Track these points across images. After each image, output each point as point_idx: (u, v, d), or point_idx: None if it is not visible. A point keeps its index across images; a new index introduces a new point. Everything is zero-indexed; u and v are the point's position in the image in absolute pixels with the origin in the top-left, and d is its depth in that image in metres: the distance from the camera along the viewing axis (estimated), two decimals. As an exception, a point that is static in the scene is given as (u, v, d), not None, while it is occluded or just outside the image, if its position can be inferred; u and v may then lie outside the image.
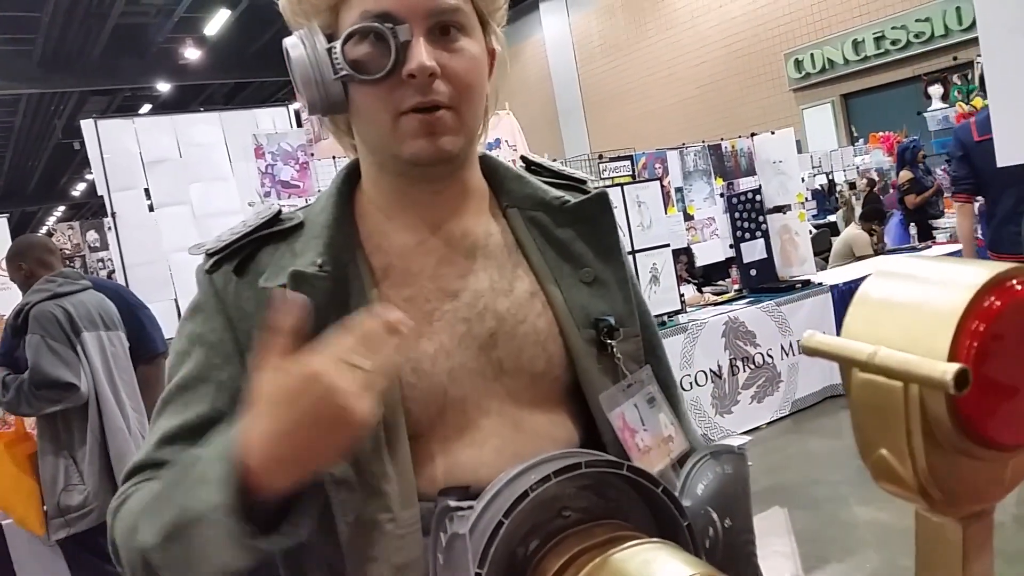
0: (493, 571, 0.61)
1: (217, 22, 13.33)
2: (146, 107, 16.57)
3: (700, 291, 5.80)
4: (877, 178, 9.21)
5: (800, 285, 5.25)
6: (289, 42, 0.74)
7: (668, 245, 4.76)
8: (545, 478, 0.63)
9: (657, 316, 4.64)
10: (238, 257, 0.77)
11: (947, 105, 8.36)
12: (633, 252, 4.59)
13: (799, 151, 7.03)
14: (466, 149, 0.78)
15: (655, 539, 0.64)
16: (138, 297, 3.48)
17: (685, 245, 5.72)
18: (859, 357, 0.39)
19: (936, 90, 8.70)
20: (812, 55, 12.41)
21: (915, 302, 0.40)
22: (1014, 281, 0.39)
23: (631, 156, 5.96)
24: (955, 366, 0.35)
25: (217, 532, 0.61)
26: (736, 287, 5.67)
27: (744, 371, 4.82)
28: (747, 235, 5.36)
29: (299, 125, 5.03)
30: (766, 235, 5.37)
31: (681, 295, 4.86)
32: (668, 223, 4.99)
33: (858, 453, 0.41)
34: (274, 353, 0.62)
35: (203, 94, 17.27)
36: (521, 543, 0.65)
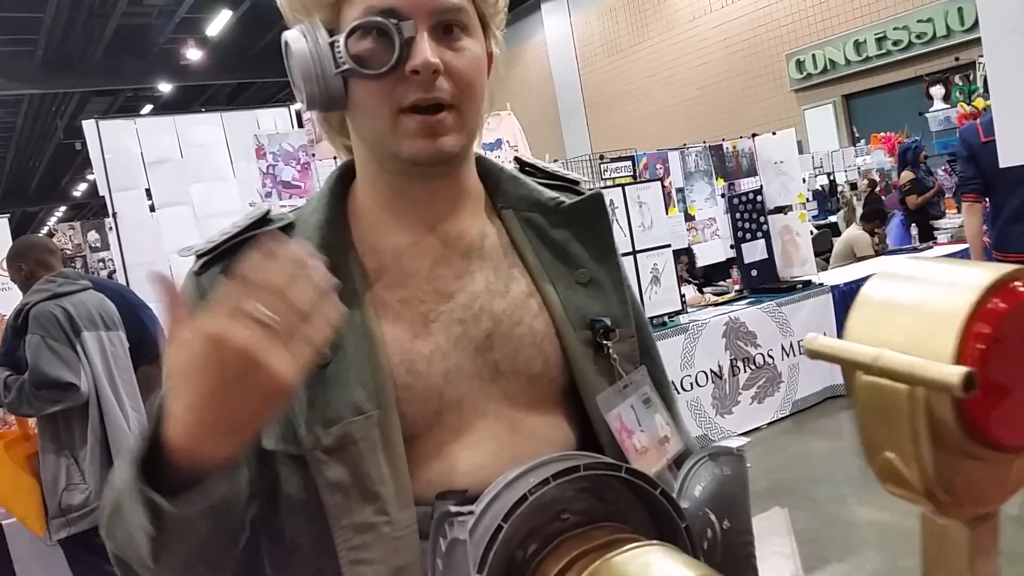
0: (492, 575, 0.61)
1: (219, 23, 13.35)
2: (147, 107, 16.58)
3: (701, 291, 5.80)
4: (878, 179, 9.20)
5: (801, 286, 5.25)
6: (290, 35, 0.74)
7: (669, 245, 4.76)
8: (544, 481, 0.63)
9: (658, 316, 4.65)
10: (227, 259, 0.76)
11: (949, 106, 8.36)
12: (634, 252, 4.59)
13: (800, 152, 7.03)
14: (466, 149, 0.78)
15: (654, 541, 0.64)
16: (140, 297, 3.48)
17: (686, 246, 5.72)
18: (863, 360, 0.39)
19: (938, 91, 8.71)
20: (813, 55, 12.41)
21: (918, 304, 0.40)
22: (1018, 283, 0.38)
23: (632, 157, 5.96)
24: (962, 369, 0.35)
25: (131, 500, 0.61)
26: (737, 288, 5.67)
27: (745, 371, 4.82)
28: (748, 236, 5.35)
29: (300, 126, 5.02)
30: (767, 236, 5.36)
31: (682, 295, 4.85)
32: (669, 223, 4.98)
33: (861, 454, 0.41)
34: (175, 326, 0.60)
35: (204, 94, 17.29)
36: (519, 547, 0.65)
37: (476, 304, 0.78)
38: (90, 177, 18.12)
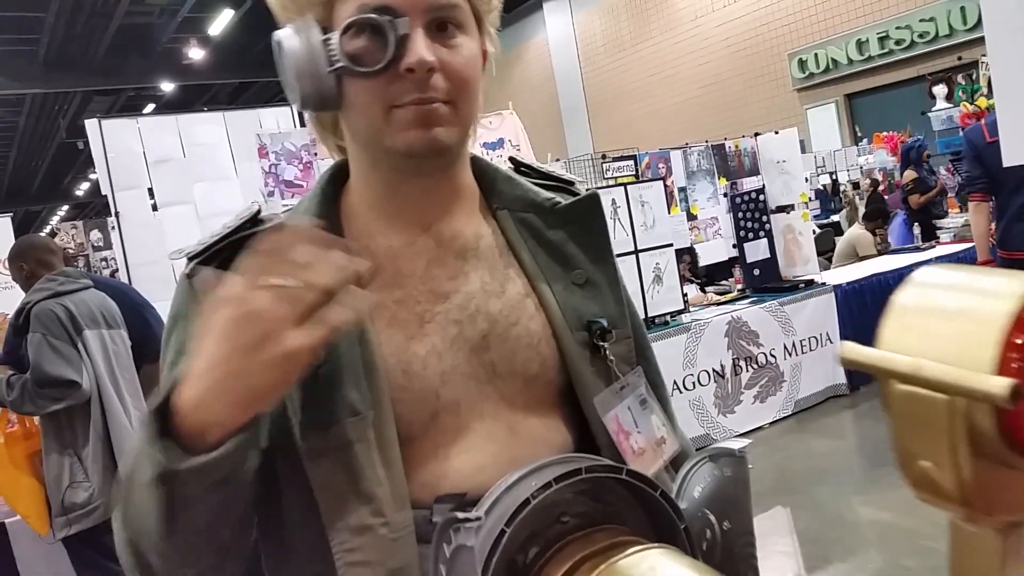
0: None
1: (221, 22, 13.36)
2: (150, 107, 16.59)
3: (703, 291, 5.80)
4: (881, 178, 9.19)
5: (803, 285, 5.25)
6: (282, 34, 0.73)
7: (671, 245, 4.76)
8: (546, 484, 0.63)
9: (660, 315, 4.65)
10: (219, 260, 0.75)
11: (951, 105, 8.35)
12: (636, 252, 4.59)
13: (803, 151, 7.02)
14: (460, 143, 0.77)
15: (657, 544, 0.64)
16: (143, 296, 3.48)
17: (688, 245, 5.72)
18: (902, 370, 0.39)
19: (940, 90, 8.69)
20: (816, 55, 12.39)
21: (955, 313, 0.40)
22: None
23: (634, 156, 5.96)
24: (1009, 381, 0.35)
25: (145, 459, 0.61)
26: (739, 287, 5.67)
27: (747, 371, 4.82)
28: (750, 235, 5.35)
29: (302, 125, 5.02)
30: (769, 235, 5.36)
31: (684, 295, 4.85)
32: (671, 223, 4.98)
33: (896, 464, 0.41)
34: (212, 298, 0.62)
35: (207, 94, 17.30)
36: (520, 551, 0.64)
37: (472, 305, 0.78)
38: (92, 176, 18.15)
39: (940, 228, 7.15)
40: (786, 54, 12.86)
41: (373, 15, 0.70)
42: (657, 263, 4.65)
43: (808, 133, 12.21)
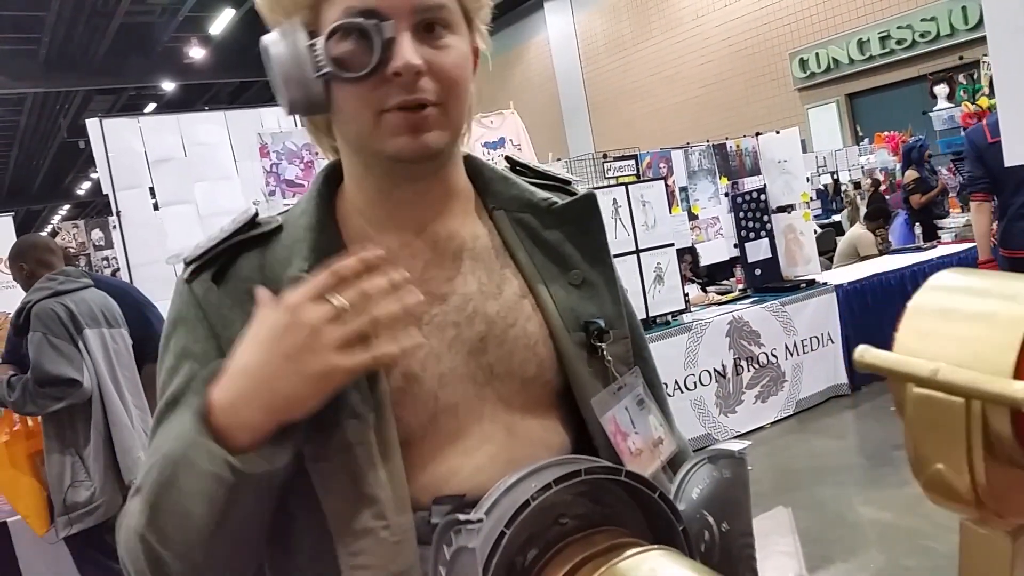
0: None
1: (222, 21, 13.36)
2: (151, 106, 16.61)
3: (704, 290, 5.80)
4: (882, 178, 9.19)
5: (805, 285, 5.24)
6: (268, 39, 0.72)
7: (672, 244, 4.76)
8: (546, 486, 0.63)
9: (661, 315, 4.65)
10: (216, 264, 0.75)
11: (953, 105, 8.35)
12: (637, 251, 4.59)
13: (804, 151, 7.02)
14: (451, 146, 0.76)
15: (657, 546, 0.64)
16: (145, 296, 3.48)
17: (689, 244, 5.72)
18: (920, 373, 0.39)
19: (942, 89, 8.70)
20: (817, 54, 12.39)
21: (973, 317, 0.40)
22: None
23: (635, 155, 5.96)
24: None
25: (200, 460, 0.63)
26: (740, 287, 5.67)
27: (748, 371, 4.82)
28: (752, 234, 5.35)
29: (304, 124, 5.03)
30: (771, 235, 5.36)
31: (685, 294, 4.85)
32: (672, 222, 4.99)
33: (911, 467, 0.41)
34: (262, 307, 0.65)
35: (208, 93, 17.31)
36: (519, 552, 0.64)
37: (469, 306, 0.78)
38: (94, 175, 18.18)
39: (941, 228, 7.15)
40: (787, 54, 12.85)
41: (358, 19, 0.69)
42: (658, 263, 4.65)
43: (809, 133, 12.21)
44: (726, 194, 5.81)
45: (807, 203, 5.59)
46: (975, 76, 8.53)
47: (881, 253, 6.69)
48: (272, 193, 4.36)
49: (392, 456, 0.71)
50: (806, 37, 12.58)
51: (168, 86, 15.95)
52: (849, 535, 3.34)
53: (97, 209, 22.51)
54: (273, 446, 0.65)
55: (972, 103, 7.54)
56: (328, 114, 0.75)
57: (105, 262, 7.86)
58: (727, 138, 6.33)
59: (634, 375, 0.83)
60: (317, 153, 4.46)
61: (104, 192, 4.70)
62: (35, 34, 12.79)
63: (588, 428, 0.80)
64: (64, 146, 18.24)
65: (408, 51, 0.69)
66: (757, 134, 5.96)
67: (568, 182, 0.91)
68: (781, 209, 5.49)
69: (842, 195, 10.04)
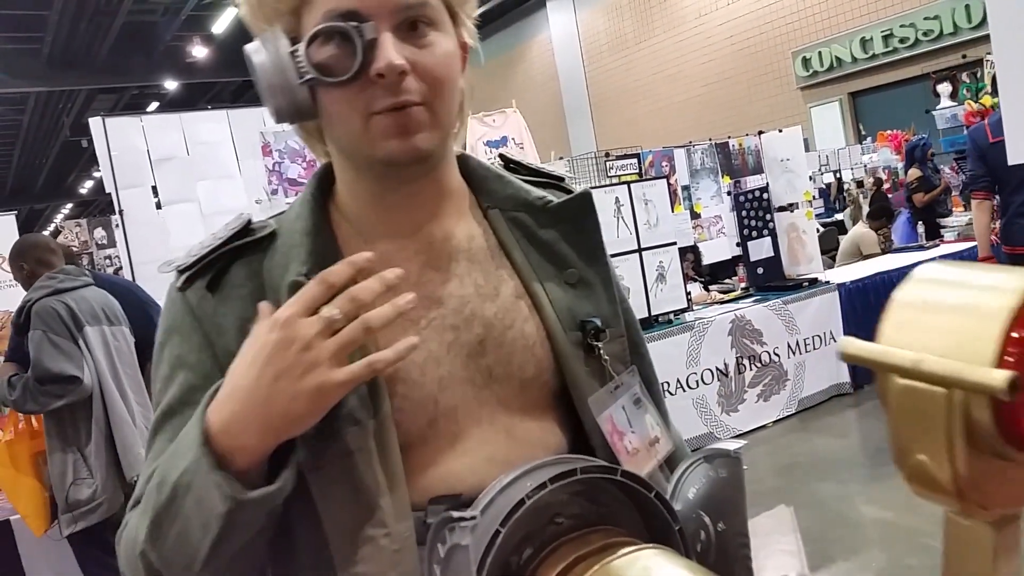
0: None
1: (224, 20, 13.37)
2: (153, 105, 16.63)
3: (707, 289, 5.80)
4: (885, 176, 9.17)
5: (807, 283, 5.24)
6: (250, 48, 0.71)
7: (675, 243, 4.76)
8: (541, 485, 0.62)
9: (664, 314, 4.64)
10: (210, 272, 0.74)
11: (956, 103, 8.33)
12: (640, 250, 4.59)
13: (807, 149, 7.02)
14: (441, 146, 0.75)
15: (651, 545, 0.63)
16: (149, 294, 3.49)
17: (692, 243, 5.72)
18: (903, 364, 0.39)
19: (945, 88, 8.68)
20: (820, 53, 12.37)
21: (955, 308, 0.40)
22: None
23: (638, 154, 5.96)
24: (1007, 373, 0.35)
25: (202, 489, 0.61)
26: (743, 285, 5.67)
27: (750, 369, 4.81)
28: (754, 233, 5.35)
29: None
30: (773, 233, 5.35)
31: (688, 293, 4.85)
32: (675, 221, 4.98)
33: (892, 457, 0.41)
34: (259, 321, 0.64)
35: (210, 92, 17.32)
36: (514, 552, 0.64)
37: (467, 309, 0.77)
38: (96, 174, 18.20)
39: (944, 226, 7.14)
40: (790, 52, 12.83)
41: (338, 22, 0.68)
42: (660, 261, 4.65)
43: (812, 131, 12.20)
44: (728, 193, 5.81)
45: (809, 202, 5.59)
46: (978, 75, 8.52)
47: (884, 252, 6.68)
48: (275, 192, 4.37)
49: (392, 462, 0.70)
50: (809, 36, 12.56)
51: (171, 85, 15.96)
52: (851, 534, 3.34)
53: (100, 208, 22.53)
54: (273, 464, 0.65)
55: (975, 102, 7.52)
56: (315, 119, 0.74)
57: (108, 261, 7.87)
58: (729, 137, 6.33)
59: (631, 374, 0.83)
60: (319, 152, 4.46)
61: (107, 191, 4.70)
62: (38, 33, 12.81)
63: (585, 428, 0.79)
64: (67, 145, 18.26)
65: (390, 52, 0.67)
66: (760, 133, 5.96)
67: (562, 179, 0.90)
68: (783, 208, 5.49)
69: (845, 194, 10.03)
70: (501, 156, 0.92)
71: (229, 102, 16.35)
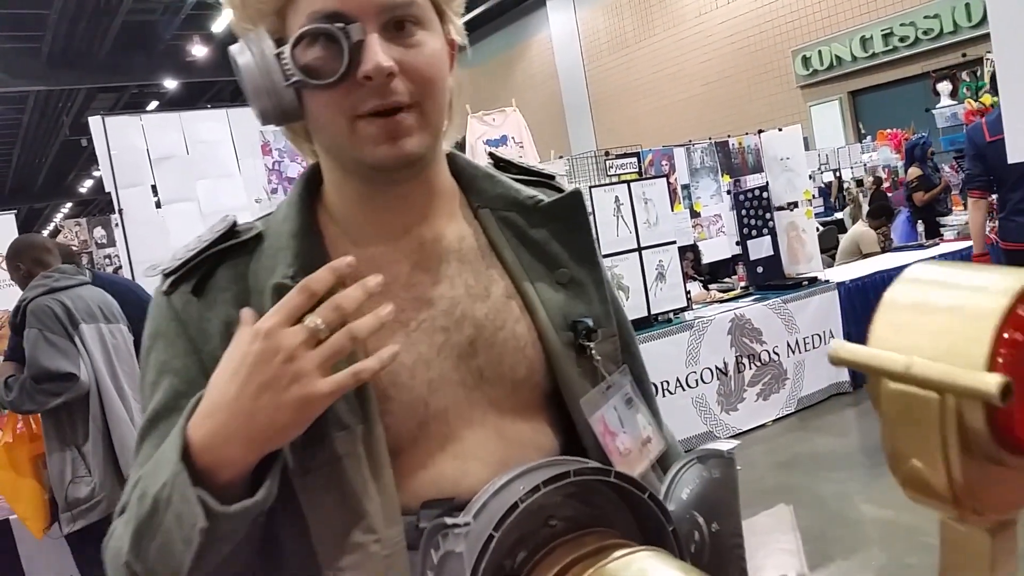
0: None
1: (224, 19, 13.35)
2: (153, 104, 16.63)
3: (706, 288, 5.80)
4: (884, 175, 9.17)
5: (807, 282, 5.24)
6: (234, 49, 0.70)
7: (675, 242, 4.76)
8: (535, 488, 0.62)
9: (663, 313, 4.64)
10: (196, 276, 0.73)
11: (956, 102, 8.32)
12: (639, 249, 4.59)
13: (806, 148, 7.02)
14: (431, 148, 0.74)
15: (646, 547, 0.63)
16: (149, 293, 3.48)
17: (691, 242, 5.72)
18: (894, 368, 0.39)
19: (945, 87, 8.67)
20: (820, 52, 12.36)
21: (946, 309, 0.39)
22: None
23: (638, 153, 5.95)
24: (1000, 378, 0.35)
25: (182, 504, 0.60)
26: (742, 284, 5.66)
27: (750, 368, 4.81)
28: (754, 232, 5.35)
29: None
30: (773, 232, 5.35)
31: (687, 292, 4.85)
32: (674, 220, 4.98)
33: (886, 462, 0.41)
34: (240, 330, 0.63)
35: (210, 91, 17.31)
36: (508, 555, 0.63)
37: (457, 310, 0.76)
38: (96, 173, 18.20)
39: (944, 225, 7.14)
40: (790, 51, 12.83)
41: (324, 24, 0.66)
42: (660, 260, 4.64)
43: (812, 130, 12.20)
44: (728, 192, 5.81)
45: (809, 200, 5.58)
46: (978, 73, 8.51)
47: (883, 251, 6.68)
48: (274, 191, 4.37)
49: (382, 467, 0.69)
50: (809, 34, 12.56)
51: (170, 84, 15.96)
52: (851, 533, 3.34)
53: (99, 207, 22.53)
54: (258, 472, 0.64)
55: (975, 100, 7.52)
56: (301, 121, 0.73)
57: (107, 260, 7.86)
58: (729, 135, 6.33)
59: (622, 373, 0.82)
60: (319, 151, 4.46)
61: (106, 190, 4.69)
62: (38, 32, 12.81)
63: (577, 428, 0.79)
64: (66, 144, 18.26)
65: (378, 53, 0.66)
66: (759, 131, 5.95)
67: (552, 177, 0.90)
68: (783, 207, 5.48)
69: (844, 193, 10.03)
70: (491, 155, 0.91)
71: (229, 101, 16.34)
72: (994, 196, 3.93)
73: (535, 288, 0.79)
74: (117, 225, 4.69)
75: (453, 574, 0.61)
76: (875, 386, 0.40)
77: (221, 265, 0.74)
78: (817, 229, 5.89)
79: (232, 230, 0.76)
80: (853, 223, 7.85)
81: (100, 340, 2.93)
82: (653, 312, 4.59)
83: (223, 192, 4.78)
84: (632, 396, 0.82)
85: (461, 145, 6.08)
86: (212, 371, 0.66)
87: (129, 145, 4.62)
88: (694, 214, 5.87)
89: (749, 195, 5.37)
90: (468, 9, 0.81)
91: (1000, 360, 0.36)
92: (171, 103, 16.26)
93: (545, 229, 0.81)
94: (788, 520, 3.56)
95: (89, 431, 2.86)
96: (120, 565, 0.66)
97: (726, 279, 6.26)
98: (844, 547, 3.21)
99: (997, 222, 3.87)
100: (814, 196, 6.59)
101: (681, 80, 14.75)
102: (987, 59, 7.44)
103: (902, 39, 11.26)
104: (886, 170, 9.34)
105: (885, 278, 5.37)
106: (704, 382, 4.63)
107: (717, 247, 6.07)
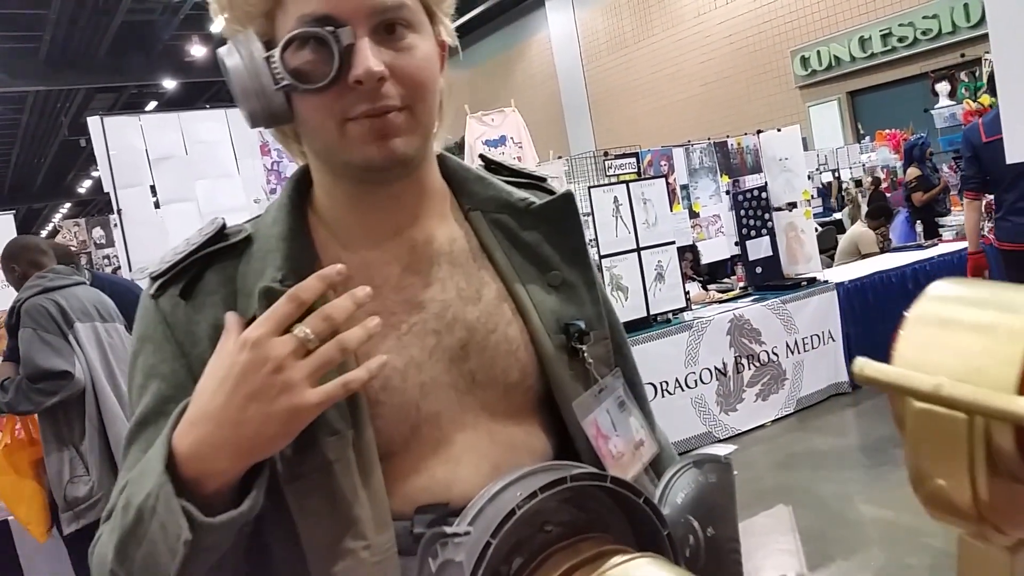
0: None
1: (223, 19, 13.35)
2: (152, 104, 16.62)
3: (705, 288, 5.80)
4: (883, 176, 9.18)
5: (806, 283, 5.24)
6: (223, 51, 0.70)
7: (673, 242, 4.76)
8: (532, 494, 0.61)
9: (662, 313, 4.64)
10: (184, 279, 0.72)
11: (954, 102, 8.35)
12: (638, 249, 4.59)
13: (805, 148, 7.02)
14: (421, 149, 0.73)
15: (644, 553, 0.63)
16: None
17: (690, 242, 5.72)
18: (922, 388, 0.38)
19: (943, 87, 8.70)
20: (819, 52, 12.38)
21: (975, 328, 0.39)
22: None
23: (637, 153, 5.96)
24: None
25: (166, 515, 0.59)
26: (741, 285, 5.66)
27: (749, 369, 4.81)
28: (753, 232, 5.35)
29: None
30: (772, 232, 5.35)
31: (686, 292, 4.85)
32: (673, 220, 4.98)
33: (910, 481, 0.41)
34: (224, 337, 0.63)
35: (209, 91, 17.31)
36: (504, 562, 0.63)
37: (449, 313, 0.75)
38: (95, 174, 18.18)
39: (943, 226, 7.14)
40: (789, 51, 12.84)
41: (313, 27, 0.66)
42: (659, 261, 4.64)
43: (811, 130, 12.21)
44: (727, 192, 5.81)
45: (808, 201, 5.58)
46: (977, 74, 8.53)
47: (882, 251, 6.69)
48: (273, 191, 4.37)
49: (372, 472, 0.68)
50: (807, 35, 12.57)
51: (169, 84, 15.95)
52: (850, 533, 3.34)
53: (98, 207, 22.53)
54: (243, 485, 0.63)
55: (974, 101, 7.53)
56: (291, 124, 0.73)
57: (106, 260, 7.86)
58: (728, 136, 6.33)
59: (614, 376, 0.82)
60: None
61: (105, 190, 4.70)
62: (36, 32, 12.80)
63: (569, 431, 0.78)
64: (65, 144, 18.25)
65: (368, 58, 0.65)
66: (758, 132, 5.95)
67: (543, 179, 0.89)
68: (782, 207, 5.49)
69: (843, 193, 10.04)
70: (482, 157, 0.90)
71: (228, 101, 16.25)
72: (990, 196, 3.93)
73: (527, 290, 0.79)
74: (116, 225, 4.69)
75: None
76: (899, 405, 0.40)
77: (210, 268, 0.73)
78: (816, 229, 5.89)
79: (221, 232, 0.75)
80: (852, 223, 7.85)
81: (96, 338, 2.93)
82: (652, 312, 4.59)
83: (222, 192, 4.78)
84: (625, 399, 0.82)
85: (460, 145, 6.08)
86: (200, 375, 0.65)
87: (128, 145, 4.63)
88: (693, 214, 5.88)
89: (748, 195, 5.37)
90: (467, 9, 0.81)
91: None
92: (170, 103, 16.25)
93: (537, 231, 0.81)
94: (787, 520, 3.56)
95: (86, 430, 2.86)
96: (105, 572, 0.65)
97: (725, 279, 6.27)
98: (844, 547, 3.21)
99: (994, 223, 3.88)
100: (813, 196, 6.59)
101: (680, 80, 14.76)
102: (985, 59, 7.45)
103: (901, 39, 11.28)
104: (885, 170, 9.35)
105: (884, 279, 5.38)
106: (703, 382, 4.63)
107: (716, 247, 6.07)
